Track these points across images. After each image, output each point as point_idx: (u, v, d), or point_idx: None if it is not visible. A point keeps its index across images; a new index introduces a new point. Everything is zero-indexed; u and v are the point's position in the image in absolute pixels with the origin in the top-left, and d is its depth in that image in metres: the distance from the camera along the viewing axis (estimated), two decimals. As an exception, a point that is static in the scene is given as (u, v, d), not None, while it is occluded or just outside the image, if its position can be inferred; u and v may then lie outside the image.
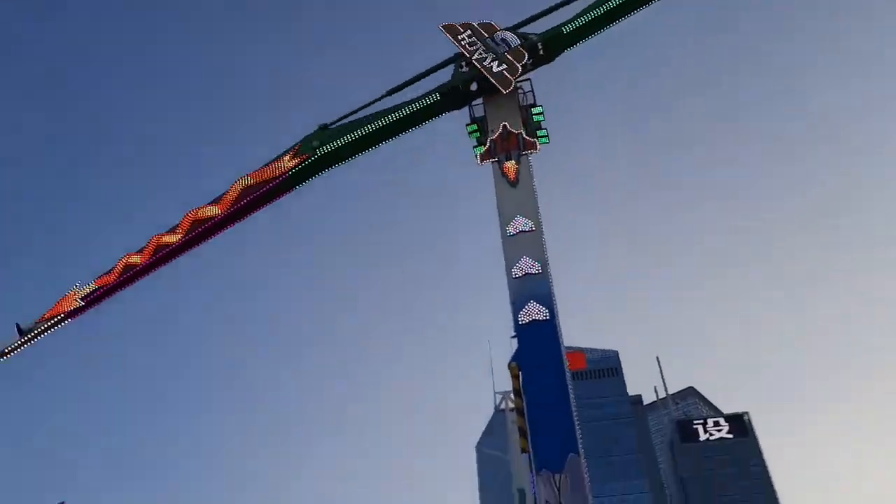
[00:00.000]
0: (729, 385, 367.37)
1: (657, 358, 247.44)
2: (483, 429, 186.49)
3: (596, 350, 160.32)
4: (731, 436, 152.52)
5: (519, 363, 19.24)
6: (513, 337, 20.53)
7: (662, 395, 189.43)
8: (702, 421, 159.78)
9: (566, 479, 16.20)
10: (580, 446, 17.08)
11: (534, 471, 16.35)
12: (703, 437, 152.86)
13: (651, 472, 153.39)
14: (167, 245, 26.72)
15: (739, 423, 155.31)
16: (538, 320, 20.18)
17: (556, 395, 17.91)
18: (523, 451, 16.82)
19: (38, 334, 26.63)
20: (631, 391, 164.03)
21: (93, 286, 27.00)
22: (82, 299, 26.62)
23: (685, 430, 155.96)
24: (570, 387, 18.49)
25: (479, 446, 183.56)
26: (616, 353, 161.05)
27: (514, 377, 18.31)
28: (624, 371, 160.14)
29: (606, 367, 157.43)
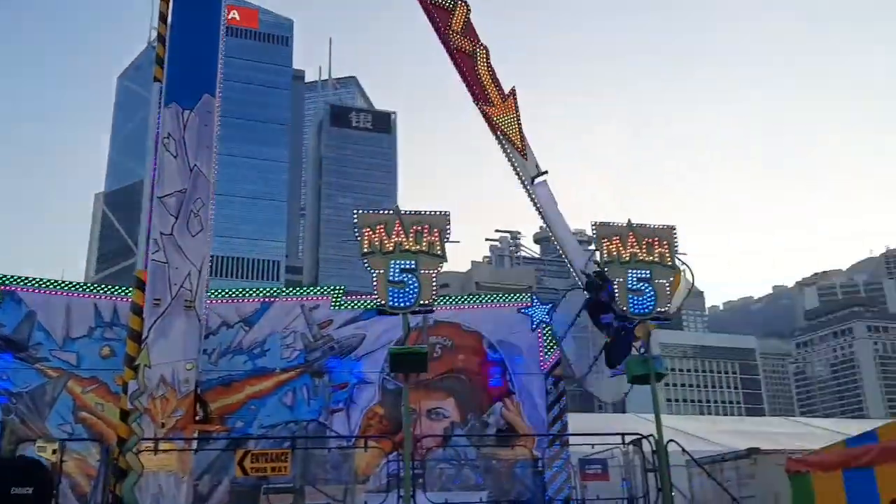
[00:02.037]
0: (391, 84, 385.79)
1: (330, 39, 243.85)
2: (131, 61, 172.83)
3: (271, 13, 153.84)
4: (376, 132, 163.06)
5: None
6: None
7: (325, 76, 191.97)
8: (353, 110, 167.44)
9: (195, 117, 15.56)
10: (218, 90, 16.33)
11: (162, 102, 15.35)
12: (353, 125, 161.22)
13: (295, 146, 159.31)
14: None
15: (385, 120, 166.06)
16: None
17: (205, 29, 16.51)
18: (156, 79, 15.57)
19: None
20: (296, 65, 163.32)
21: None
22: None
23: (337, 115, 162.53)
24: (222, 31, 17.13)
25: (123, 79, 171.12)
26: (291, 23, 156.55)
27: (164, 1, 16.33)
28: (295, 43, 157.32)
29: (278, 33, 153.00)
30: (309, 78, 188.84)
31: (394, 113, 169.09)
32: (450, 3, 18.37)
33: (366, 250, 11.97)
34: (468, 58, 18.44)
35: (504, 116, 17.97)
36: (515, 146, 17.84)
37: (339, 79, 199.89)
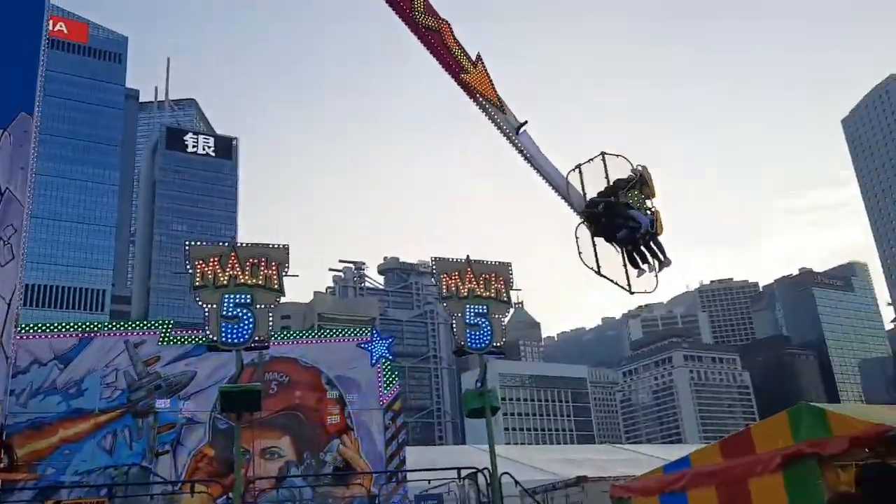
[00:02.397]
0: (233, 108, 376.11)
1: (168, 59, 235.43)
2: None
3: (103, 28, 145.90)
4: (215, 155, 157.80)
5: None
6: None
7: (162, 97, 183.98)
8: (192, 133, 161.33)
9: (8, 137, 14.34)
10: (37, 107, 15.17)
11: (-30, 119, 14.04)
12: (190, 149, 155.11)
13: (127, 169, 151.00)
14: None
15: (226, 145, 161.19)
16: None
17: (23, 39, 15.34)
18: (-37, 94, 14.25)
19: None
20: (131, 83, 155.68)
21: None
22: None
23: (173, 138, 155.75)
24: (43, 43, 16.00)
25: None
26: (125, 40, 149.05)
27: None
28: (130, 62, 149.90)
29: (111, 50, 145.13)
30: (144, 98, 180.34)
31: (235, 138, 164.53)
32: None
33: (198, 284, 11.45)
34: (436, 34, 18.52)
35: (479, 79, 18.51)
36: (494, 104, 18.45)
37: (176, 100, 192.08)
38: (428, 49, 18.74)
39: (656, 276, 16.99)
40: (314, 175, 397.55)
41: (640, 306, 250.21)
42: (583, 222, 17.38)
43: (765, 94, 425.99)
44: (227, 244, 12.03)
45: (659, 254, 17.33)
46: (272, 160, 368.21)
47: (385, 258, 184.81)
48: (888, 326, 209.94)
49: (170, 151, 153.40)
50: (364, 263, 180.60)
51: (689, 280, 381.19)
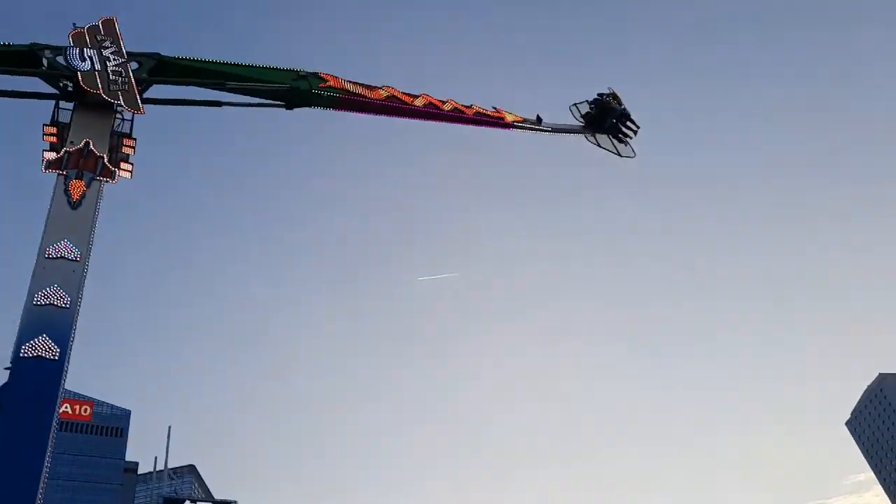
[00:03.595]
0: (232, 470, 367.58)
1: (169, 428, 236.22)
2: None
3: (107, 404, 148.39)
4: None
5: (2, 399, 16.62)
6: (7, 368, 17.80)
7: (161, 467, 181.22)
8: (189, 502, 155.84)
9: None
10: (38, 512, 15.07)
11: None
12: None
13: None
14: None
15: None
16: (44, 357, 17.83)
17: (30, 452, 15.66)
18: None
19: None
20: (131, 455, 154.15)
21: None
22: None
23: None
24: (51, 440, 16.41)
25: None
26: (128, 414, 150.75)
27: None
28: (130, 432, 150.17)
29: (113, 425, 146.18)
30: (143, 469, 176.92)
31: (235, 501, 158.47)
32: (332, 94, 26.60)
33: None
34: (433, 109, 27.83)
35: (512, 118, 29.07)
36: (520, 121, 29.14)
37: (175, 468, 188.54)
38: (474, 124, 28.60)
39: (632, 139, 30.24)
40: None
41: None
42: (587, 133, 29.71)
43: (759, 408, 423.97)
44: None
45: (632, 125, 29.78)
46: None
47: None
48: None
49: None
50: None
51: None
